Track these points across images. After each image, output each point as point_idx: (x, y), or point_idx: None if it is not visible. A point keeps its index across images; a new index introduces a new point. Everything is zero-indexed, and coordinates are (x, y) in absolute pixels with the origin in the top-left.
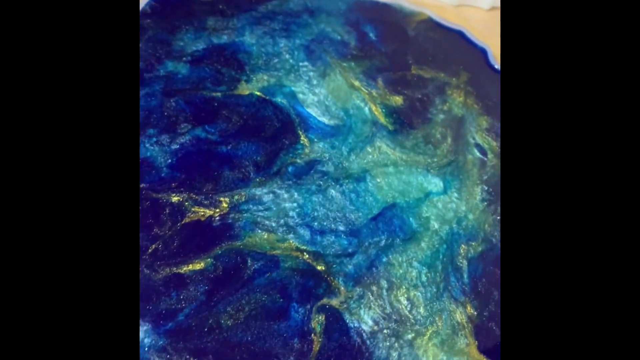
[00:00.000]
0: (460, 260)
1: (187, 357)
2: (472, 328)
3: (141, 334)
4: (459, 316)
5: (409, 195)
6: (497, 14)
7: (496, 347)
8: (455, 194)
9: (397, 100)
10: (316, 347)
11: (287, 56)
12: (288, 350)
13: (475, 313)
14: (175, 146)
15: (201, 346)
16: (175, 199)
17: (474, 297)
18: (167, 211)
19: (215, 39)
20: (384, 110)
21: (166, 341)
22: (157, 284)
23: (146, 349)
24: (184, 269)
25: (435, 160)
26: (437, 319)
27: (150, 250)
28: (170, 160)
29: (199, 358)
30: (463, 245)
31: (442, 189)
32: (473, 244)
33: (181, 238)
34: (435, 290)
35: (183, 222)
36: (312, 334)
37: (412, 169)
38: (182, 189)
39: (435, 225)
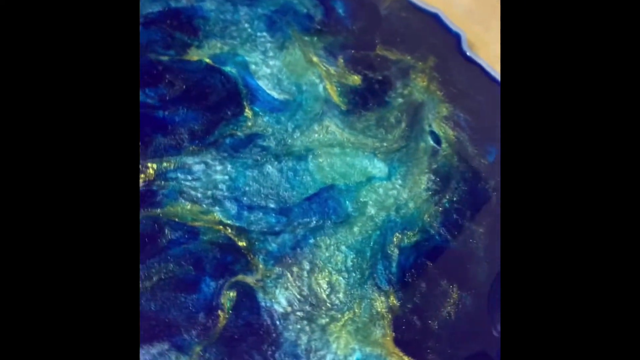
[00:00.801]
0: (392, 249)
1: None
2: (392, 319)
3: None
4: (380, 305)
5: (350, 178)
6: (482, 0)
7: (414, 341)
8: (400, 181)
9: (356, 79)
10: (222, 323)
11: (246, 25)
12: (192, 323)
13: (398, 304)
14: None
15: None
16: None
17: (400, 288)
18: None
19: (174, 2)
20: (339, 88)
21: None
22: None
23: None
24: None
25: (385, 144)
26: (355, 306)
27: None
28: None
29: None
30: (397, 234)
31: (386, 175)
32: (409, 233)
33: None
34: (359, 276)
35: None
36: (219, 310)
37: (359, 152)
38: None
39: (371, 210)
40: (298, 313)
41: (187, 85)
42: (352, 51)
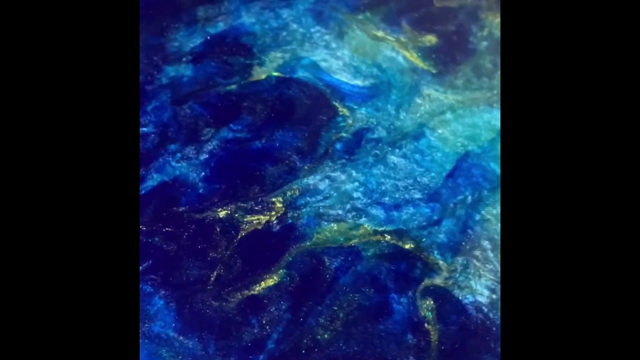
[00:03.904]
0: None
1: None
2: None
3: None
4: None
5: (479, 138)
6: None
7: None
8: None
9: (431, 39)
10: (434, 337)
11: (295, 26)
12: (404, 349)
13: None
14: (204, 156)
15: None
16: (222, 213)
17: None
18: (218, 230)
19: (211, 28)
20: (419, 53)
21: None
22: (232, 314)
23: None
24: (257, 289)
25: (495, 92)
26: None
27: (212, 279)
28: (203, 173)
29: None
30: None
31: None
32: None
33: (243, 255)
34: None
35: (239, 237)
36: (425, 324)
37: (473, 109)
38: (226, 201)
39: None
40: None
41: (268, 106)
42: (412, 13)
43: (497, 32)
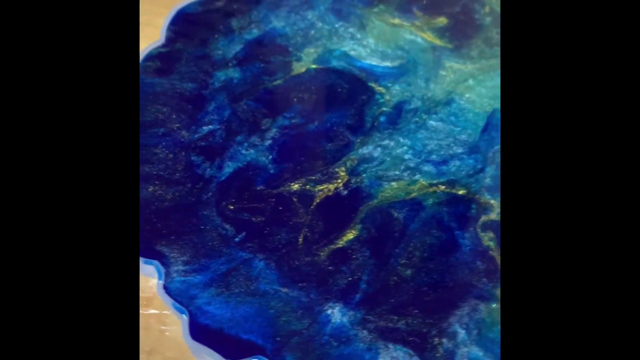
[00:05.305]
0: None
1: (391, 317)
2: None
3: (338, 315)
4: None
5: None
6: None
7: None
8: None
9: (442, 21)
10: (499, 260)
11: (320, 24)
12: (476, 273)
13: None
14: (268, 142)
15: (396, 304)
16: (295, 187)
17: None
18: (295, 200)
19: (248, 35)
20: (435, 34)
21: (363, 312)
22: (324, 266)
23: (349, 326)
24: (340, 243)
25: None
26: None
27: (301, 239)
28: (271, 156)
29: (402, 314)
30: None
31: None
32: None
33: (322, 218)
34: None
35: (315, 203)
36: (490, 251)
37: (491, 74)
38: (297, 176)
39: None
40: None
41: (313, 93)
42: (421, 0)
43: (497, 7)
